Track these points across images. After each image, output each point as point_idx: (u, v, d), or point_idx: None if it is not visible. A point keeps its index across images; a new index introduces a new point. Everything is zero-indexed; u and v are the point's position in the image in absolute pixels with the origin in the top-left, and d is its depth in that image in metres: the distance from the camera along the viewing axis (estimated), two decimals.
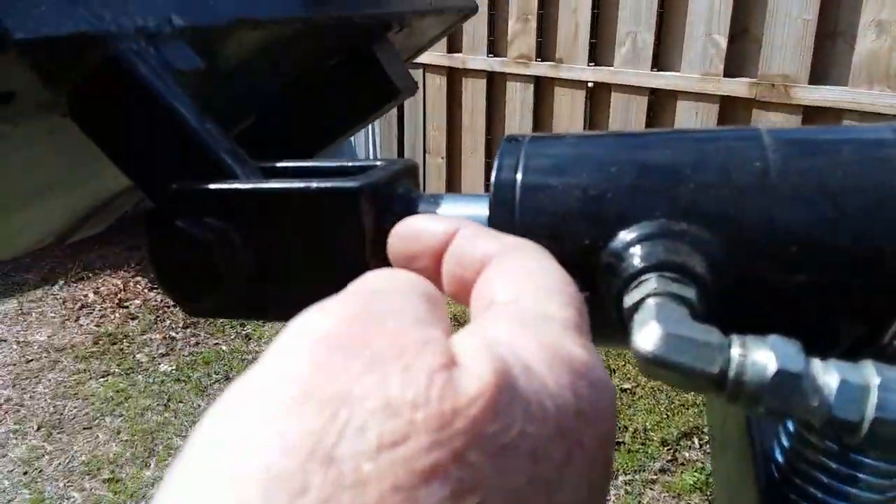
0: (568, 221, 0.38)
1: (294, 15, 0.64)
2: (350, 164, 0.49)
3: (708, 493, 2.70)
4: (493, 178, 0.41)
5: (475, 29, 4.12)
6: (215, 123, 0.48)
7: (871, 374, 0.29)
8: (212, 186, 0.44)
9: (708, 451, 2.91)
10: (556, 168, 0.40)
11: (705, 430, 3.00)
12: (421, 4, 0.89)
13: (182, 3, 0.51)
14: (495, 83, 4.18)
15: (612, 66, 3.62)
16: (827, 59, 2.98)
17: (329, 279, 0.43)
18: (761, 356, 0.28)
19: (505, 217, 0.39)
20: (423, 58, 4.34)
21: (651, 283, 0.34)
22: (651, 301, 0.32)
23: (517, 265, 0.29)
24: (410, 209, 0.45)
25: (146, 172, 0.47)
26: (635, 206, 0.37)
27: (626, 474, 2.81)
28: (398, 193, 0.46)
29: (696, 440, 2.97)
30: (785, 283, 0.35)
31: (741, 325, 0.32)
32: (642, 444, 2.95)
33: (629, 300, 0.34)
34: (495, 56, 4.11)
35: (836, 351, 0.37)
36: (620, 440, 2.97)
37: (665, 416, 3.08)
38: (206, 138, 0.46)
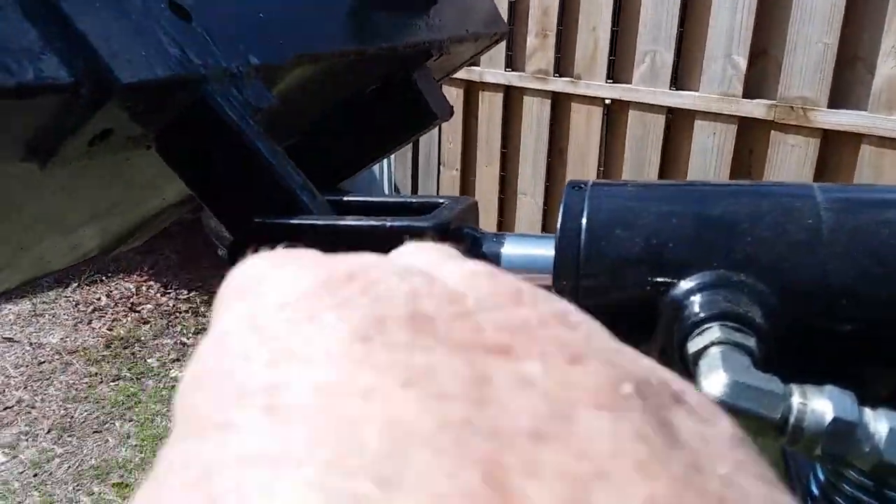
0: (631, 268, 0.40)
1: (347, 48, 0.66)
2: (412, 200, 0.51)
3: None
4: (559, 223, 0.43)
5: None
6: (288, 160, 0.50)
7: None
8: (293, 221, 0.47)
9: None
10: (620, 217, 0.42)
11: None
12: (459, 31, 0.91)
13: (256, 44, 0.54)
14: (512, 97, 4.20)
15: (631, 83, 3.64)
16: (846, 84, 2.98)
17: None
18: (819, 405, 0.31)
19: (570, 259, 0.41)
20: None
21: (714, 331, 0.36)
22: (715, 349, 0.34)
23: None
24: (476, 247, 0.47)
25: (228, 206, 0.50)
26: (695, 256, 0.39)
27: None
28: (465, 232, 0.48)
29: None
30: (834, 333, 0.38)
31: (794, 370, 0.34)
32: None
33: (693, 346, 0.36)
34: (513, 70, 4.13)
35: (884, 392, 0.39)
36: None
37: None
38: (283, 175, 0.49)
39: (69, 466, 2.96)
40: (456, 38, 0.91)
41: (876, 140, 2.88)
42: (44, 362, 3.69)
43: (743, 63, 3.19)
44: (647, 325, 0.39)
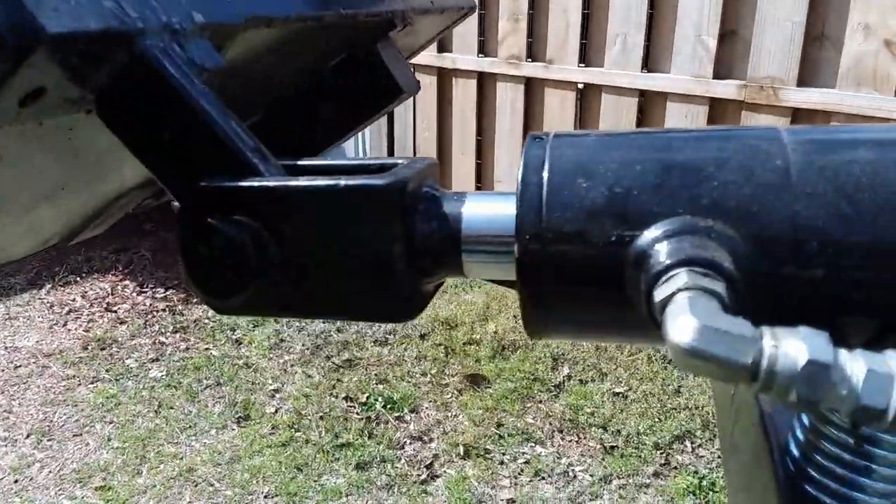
0: (594, 219, 0.39)
1: (304, 13, 0.64)
2: (370, 162, 0.49)
3: (702, 496, 2.70)
4: (519, 177, 0.41)
5: (465, 29, 4.13)
6: (239, 122, 0.48)
7: (895, 363, 0.30)
8: (242, 184, 0.45)
9: (700, 454, 2.92)
10: (581, 167, 0.41)
11: (698, 433, 3.01)
12: (423, 3, 0.89)
13: (203, 2, 0.51)
14: (485, 83, 4.19)
15: (603, 67, 3.64)
16: (815, 62, 3.00)
17: (356, 276, 0.44)
18: (792, 347, 0.30)
19: (532, 215, 0.40)
20: (414, 58, 4.34)
21: (681, 277, 0.35)
22: (683, 295, 0.33)
23: None
24: (436, 207, 0.46)
25: (172, 170, 0.47)
26: (660, 204, 0.38)
27: (619, 478, 2.81)
28: (423, 192, 0.46)
29: (688, 444, 2.98)
30: (806, 279, 0.36)
31: (765, 318, 0.33)
32: (635, 447, 2.96)
33: (659, 294, 0.35)
34: (485, 56, 4.12)
35: (858, 340, 0.38)
36: (614, 444, 2.98)
37: (658, 420, 3.09)
38: (232, 136, 0.46)
39: (50, 471, 2.92)
40: (420, 10, 0.89)
41: (844, 117, 2.91)
42: (20, 366, 3.63)
43: (713, 44, 3.20)
44: (615, 279, 0.38)
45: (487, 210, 0.45)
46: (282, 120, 0.86)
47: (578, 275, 0.39)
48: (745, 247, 0.37)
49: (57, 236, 0.81)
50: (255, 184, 0.44)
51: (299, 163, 0.50)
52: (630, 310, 0.38)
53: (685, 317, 0.31)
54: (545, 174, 0.41)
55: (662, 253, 0.36)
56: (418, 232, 0.44)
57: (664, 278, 0.35)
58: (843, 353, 0.30)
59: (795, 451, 0.42)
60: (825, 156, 0.38)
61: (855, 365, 0.30)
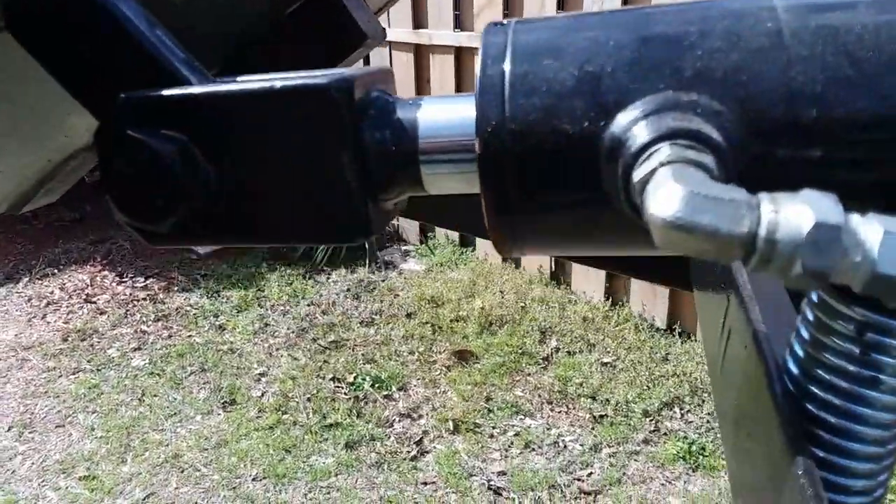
0: (564, 103, 0.34)
1: None
2: (319, 71, 0.44)
3: (692, 461, 2.70)
4: (477, 71, 0.37)
5: (441, 4, 4.07)
6: (168, 33, 0.43)
7: None
8: (165, 93, 0.40)
9: (689, 420, 2.92)
10: (547, 48, 0.36)
11: (686, 399, 3.01)
12: None
13: None
14: (463, 58, 4.13)
15: None
16: None
17: (302, 193, 0.40)
18: (796, 211, 0.25)
19: (495, 111, 0.35)
20: (390, 35, 4.27)
21: (664, 151, 0.30)
22: (665, 168, 0.29)
23: None
24: (388, 113, 0.41)
25: (91, 84, 0.43)
26: (637, 81, 0.34)
27: (609, 447, 2.80)
28: (373, 97, 0.41)
29: (677, 410, 2.97)
30: (805, 155, 0.32)
31: None
32: (625, 416, 2.95)
33: (639, 173, 0.30)
34: (462, 31, 4.06)
35: None
36: (602, 413, 2.97)
37: (646, 388, 3.08)
38: (157, 45, 0.42)
39: (32, 463, 2.86)
40: None
41: None
42: None
43: None
44: (590, 171, 0.34)
45: (447, 113, 0.40)
46: (241, 70, 0.81)
47: (547, 170, 0.35)
48: (737, 121, 0.32)
49: (4, 203, 0.77)
50: (180, 91, 0.40)
51: (238, 78, 0.45)
52: (609, 209, 0.33)
53: (669, 185, 0.27)
54: (507, 59, 0.36)
55: (642, 131, 0.32)
56: (369, 140, 0.39)
57: (644, 156, 0.31)
58: (856, 217, 0.26)
59: (794, 369, 0.38)
60: (822, 16, 0.33)
61: (869, 228, 0.25)
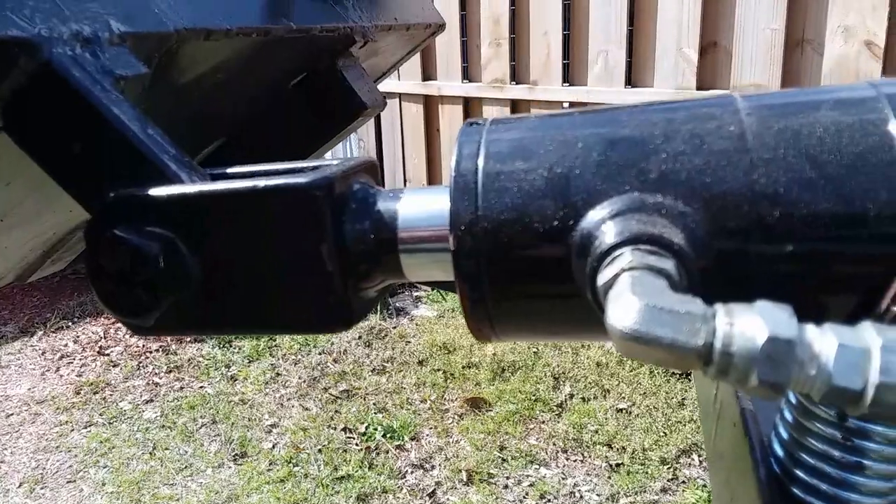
0: (534, 204, 0.36)
1: (248, 26, 0.62)
2: (304, 164, 0.46)
3: None
4: (451, 166, 0.38)
5: (449, 56, 4.14)
6: (159, 130, 0.45)
7: (871, 336, 0.26)
8: (152, 192, 0.41)
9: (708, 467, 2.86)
10: (519, 150, 0.37)
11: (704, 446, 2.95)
12: (385, 18, 0.88)
13: (125, 12, 0.49)
14: (472, 108, 4.19)
15: (586, 85, 3.64)
16: (797, 67, 3.00)
17: (285, 284, 0.41)
18: (749, 324, 0.26)
19: (467, 206, 0.37)
20: (400, 87, 4.35)
21: (626, 257, 0.31)
22: (626, 275, 0.30)
23: None
24: (369, 206, 0.42)
25: (82, 182, 0.44)
26: (604, 182, 0.35)
27: (626, 496, 2.75)
28: (354, 190, 0.43)
29: (695, 457, 2.92)
30: (770, 253, 0.33)
31: (725, 302, 0.29)
32: (641, 464, 2.90)
33: (603, 277, 0.31)
34: (470, 82, 4.12)
35: (833, 319, 0.34)
36: (619, 461, 2.92)
37: (663, 435, 3.03)
38: (146, 143, 0.43)
39: None
40: (383, 27, 0.88)
41: None
42: (11, 415, 3.57)
43: (694, 55, 3.21)
44: (560, 268, 0.35)
45: (425, 205, 0.41)
46: (246, 140, 0.84)
47: (520, 266, 0.36)
48: (700, 223, 0.33)
49: (11, 273, 0.78)
50: (165, 191, 0.41)
51: (228, 170, 0.47)
52: (579, 302, 0.34)
53: (626, 297, 0.27)
54: (480, 161, 0.37)
55: (607, 233, 0.33)
56: (349, 232, 0.41)
57: (608, 260, 0.32)
58: (810, 329, 0.26)
59: (780, 451, 0.38)
60: (784, 118, 0.34)
61: (824, 340, 0.26)
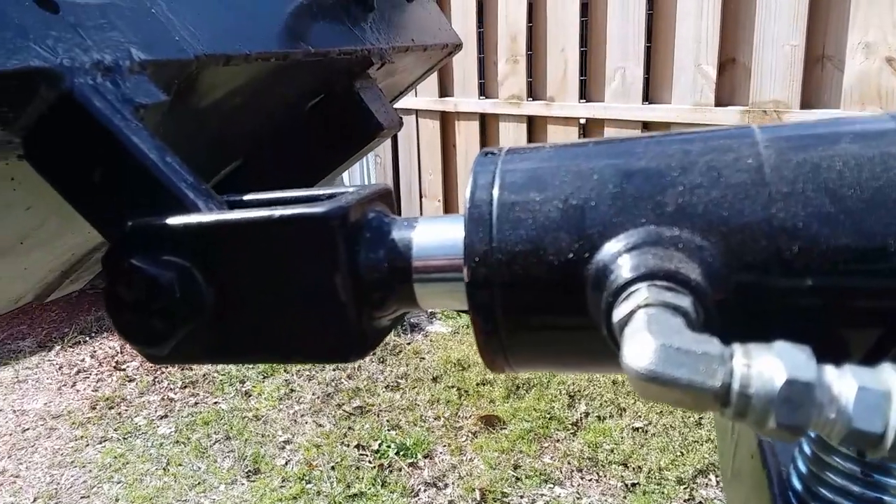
0: (549, 236, 0.35)
1: (267, 51, 0.62)
2: (320, 192, 0.46)
3: None
4: (466, 196, 0.38)
5: (465, 72, 4.16)
6: (177, 158, 0.45)
7: (891, 378, 0.25)
8: (169, 221, 0.42)
9: None
10: (534, 180, 0.37)
11: None
12: (403, 40, 0.88)
13: (145, 40, 0.49)
14: (488, 124, 4.19)
15: (604, 101, 3.63)
16: (817, 83, 2.98)
17: (299, 314, 0.41)
18: (768, 365, 0.25)
19: (482, 237, 0.36)
20: (416, 103, 4.37)
21: (642, 293, 0.30)
22: (642, 312, 0.29)
23: None
24: (383, 234, 0.42)
25: (101, 210, 0.45)
26: (620, 215, 0.34)
27: None
28: (369, 219, 0.43)
29: (712, 477, 2.86)
30: (788, 288, 0.32)
31: (743, 338, 0.28)
32: (658, 484, 2.85)
33: (618, 314, 0.30)
34: (487, 98, 4.13)
35: (854, 356, 0.33)
36: (635, 481, 2.87)
37: (679, 454, 2.98)
38: (165, 172, 0.44)
39: None
40: (400, 48, 0.88)
41: None
42: (28, 429, 3.59)
43: (712, 72, 3.19)
44: (575, 300, 0.34)
45: (439, 234, 0.41)
46: (263, 161, 0.84)
47: (534, 299, 0.35)
48: (717, 257, 0.32)
49: (30, 293, 0.78)
50: (182, 220, 0.41)
51: (245, 197, 0.47)
52: (594, 336, 0.33)
53: (642, 336, 0.27)
54: (495, 191, 0.37)
55: (623, 268, 0.32)
56: (363, 262, 0.41)
57: (623, 295, 0.31)
58: (830, 370, 0.25)
59: (798, 484, 0.37)
60: (803, 151, 0.33)
61: (843, 383, 0.25)
